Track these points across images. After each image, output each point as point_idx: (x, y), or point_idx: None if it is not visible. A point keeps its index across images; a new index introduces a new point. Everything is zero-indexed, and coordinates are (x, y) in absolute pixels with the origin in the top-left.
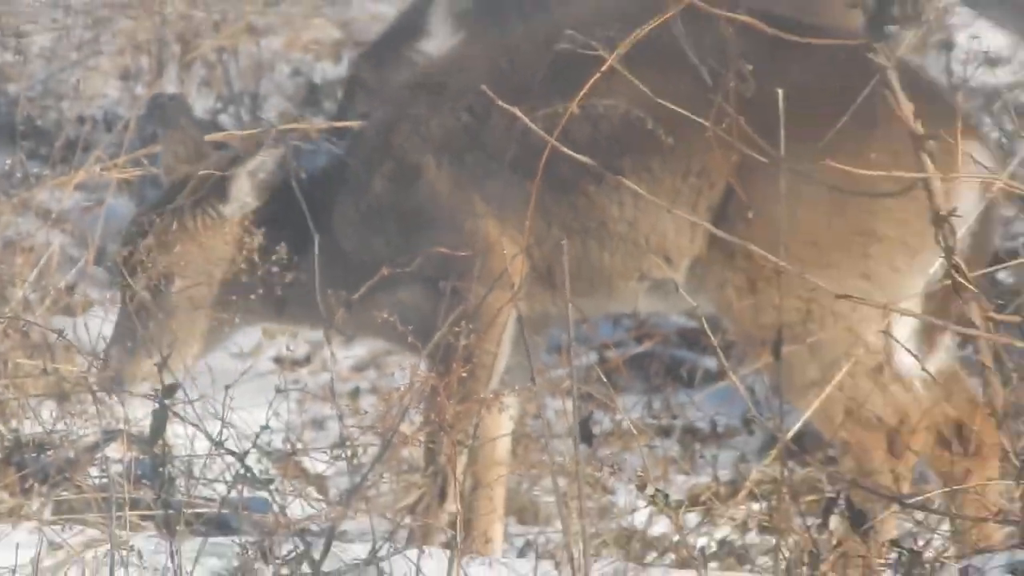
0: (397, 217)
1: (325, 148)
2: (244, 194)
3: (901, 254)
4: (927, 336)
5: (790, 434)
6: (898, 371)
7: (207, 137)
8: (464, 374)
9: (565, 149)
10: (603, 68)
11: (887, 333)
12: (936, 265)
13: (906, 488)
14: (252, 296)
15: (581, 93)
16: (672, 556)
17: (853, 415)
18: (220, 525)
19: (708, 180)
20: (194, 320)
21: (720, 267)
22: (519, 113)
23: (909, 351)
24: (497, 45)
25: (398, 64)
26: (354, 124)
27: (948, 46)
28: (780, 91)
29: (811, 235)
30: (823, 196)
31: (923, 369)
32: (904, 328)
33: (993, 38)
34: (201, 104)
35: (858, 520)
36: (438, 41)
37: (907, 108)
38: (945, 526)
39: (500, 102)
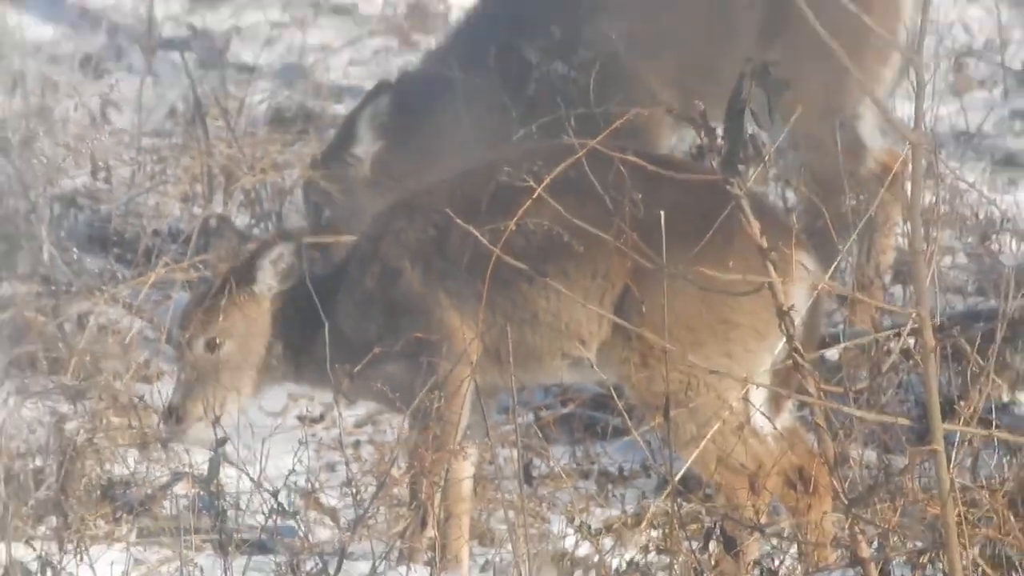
0: (383, 308)
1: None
2: (269, 277)
3: (753, 338)
4: (774, 402)
5: (677, 477)
6: (755, 428)
7: None
8: (437, 431)
9: (506, 257)
10: (533, 196)
11: (746, 399)
12: (780, 347)
13: (764, 520)
14: (278, 362)
15: (518, 215)
16: (593, 572)
17: (723, 462)
18: (260, 547)
19: (610, 281)
20: (239, 377)
21: (620, 348)
22: (472, 229)
23: (762, 413)
24: (455, 177)
25: (340, 166)
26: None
27: (780, 177)
28: (662, 212)
29: (686, 323)
30: (695, 293)
31: (773, 427)
32: (758, 395)
33: None
34: (240, 220)
35: (730, 545)
36: (364, 146)
37: (755, 227)
38: (793, 549)
39: (457, 220)
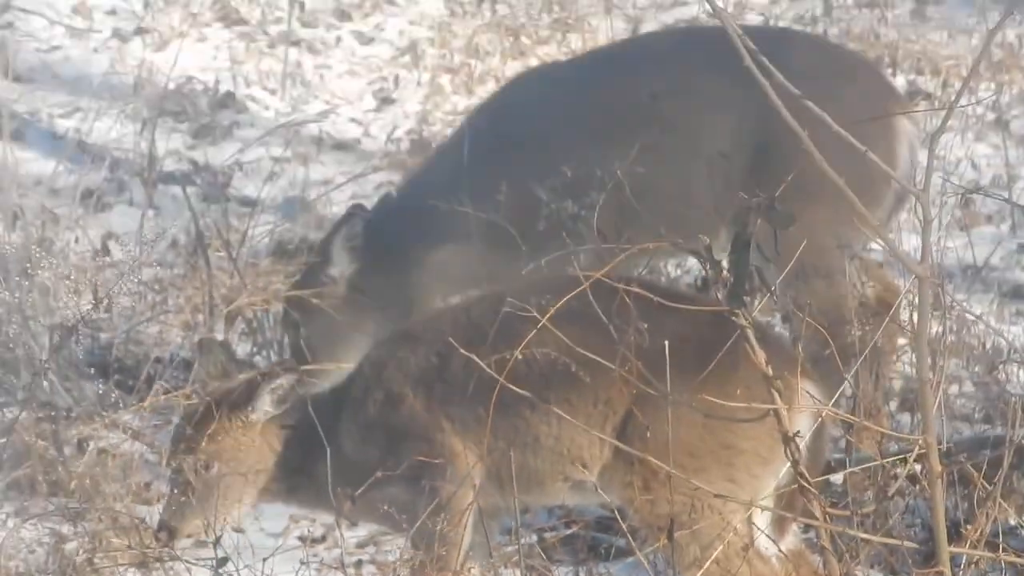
0: (385, 432)
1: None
2: (265, 404)
3: (756, 463)
4: (779, 524)
5: None
6: (759, 551)
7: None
8: (441, 552)
9: (510, 385)
10: (538, 326)
11: (750, 522)
12: (784, 471)
13: None
14: (272, 482)
15: (522, 344)
16: None
17: None
18: None
19: (612, 408)
20: (230, 496)
21: (623, 472)
22: (475, 358)
23: (767, 535)
24: (458, 307)
25: (316, 286)
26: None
27: (787, 308)
28: (666, 342)
29: (689, 449)
30: (698, 419)
31: (778, 549)
32: (762, 518)
33: None
34: (242, 349)
35: None
36: (339, 267)
37: (760, 356)
38: None
39: (461, 350)
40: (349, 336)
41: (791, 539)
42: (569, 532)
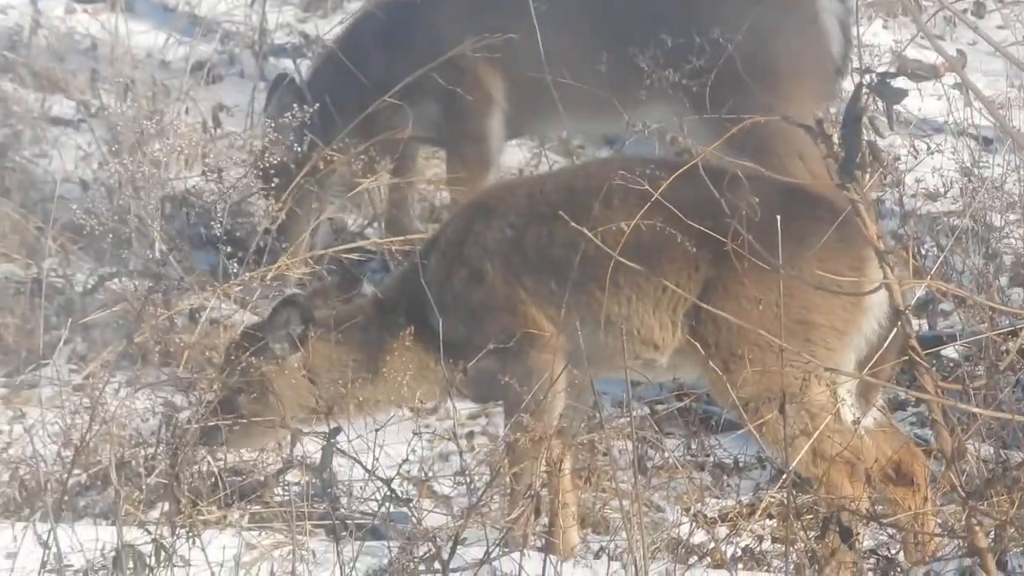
0: (471, 307)
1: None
2: (281, 345)
3: (833, 336)
4: (864, 398)
5: (792, 465)
6: (845, 424)
7: None
8: (532, 419)
9: (621, 258)
10: (651, 199)
11: (834, 392)
12: (862, 344)
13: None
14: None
15: (636, 217)
16: (708, 559)
17: (821, 456)
18: (373, 533)
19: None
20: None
21: (698, 355)
22: (583, 229)
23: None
24: (531, 179)
25: None
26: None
27: (898, 184)
28: (779, 216)
29: (765, 327)
30: (771, 298)
31: (859, 421)
32: (845, 393)
33: (932, 179)
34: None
35: (846, 535)
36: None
37: (874, 230)
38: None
39: (569, 221)
40: None
41: (874, 412)
42: (680, 405)
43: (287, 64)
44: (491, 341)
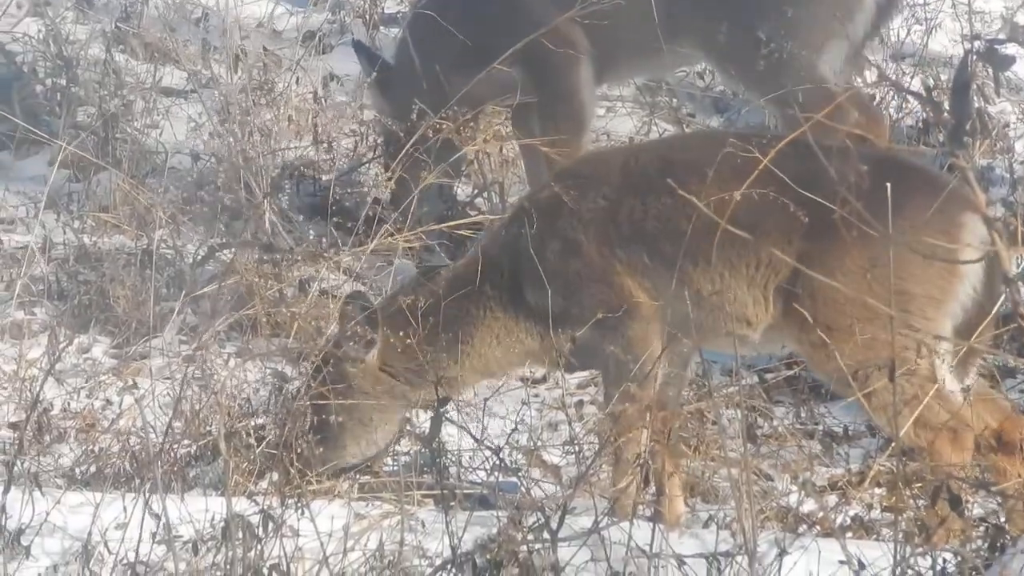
0: (566, 279)
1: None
2: (354, 351)
3: (930, 306)
4: (961, 365)
5: (902, 432)
6: (946, 393)
7: None
8: (634, 389)
9: (731, 228)
10: (761, 165)
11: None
12: (959, 311)
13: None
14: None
15: (744, 186)
16: (818, 528)
17: (923, 424)
18: (482, 502)
19: (774, 269)
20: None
21: (796, 329)
22: (692, 199)
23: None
24: (624, 150)
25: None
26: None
27: (1008, 150)
28: (888, 185)
29: (861, 300)
30: (864, 270)
31: (963, 389)
32: (940, 362)
33: None
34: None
35: (955, 503)
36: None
37: (981, 197)
38: None
39: (680, 191)
40: None
41: (971, 380)
42: (790, 373)
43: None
44: (588, 312)
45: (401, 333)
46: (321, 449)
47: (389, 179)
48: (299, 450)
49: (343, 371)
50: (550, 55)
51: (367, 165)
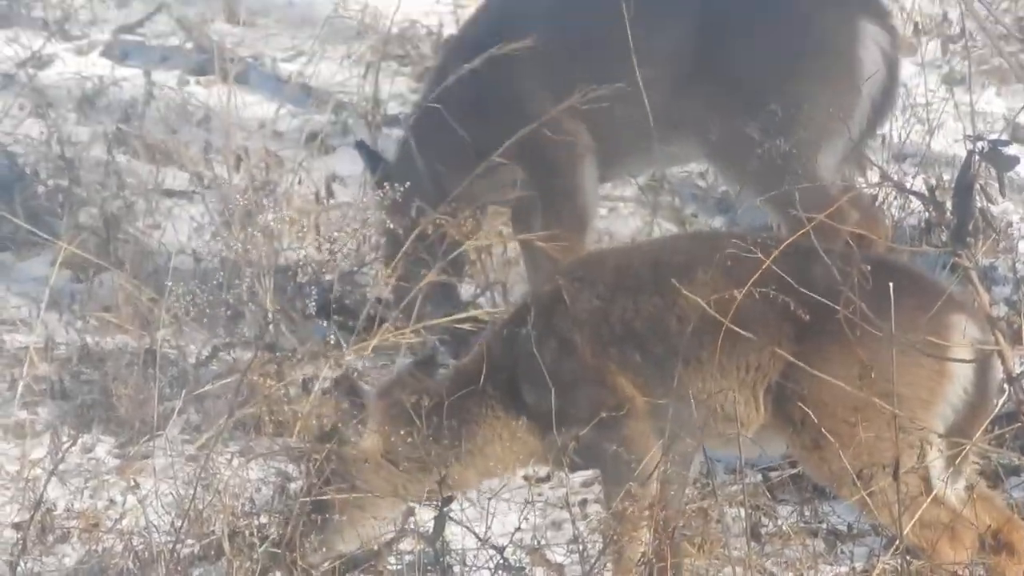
0: (561, 379)
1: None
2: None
3: (919, 407)
4: (955, 467)
5: (906, 530)
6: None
7: None
8: (635, 487)
9: (736, 328)
10: (763, 267)
11: (919, 459)
12: (949, 413)
13: None
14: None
15: (746, 286)
16: None
17: (923, 524)
18: None
19: (763, 372)
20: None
21: (789, 432)
22: (690, 294)
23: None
24: (618, 251)
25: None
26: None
27: (1012, 250)
28: (891, 284)
29: (851, 403)
30: (853, 373)
31: (957, 489)
32: (937, 463)
33: None
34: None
35: None
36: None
37: (984, 297)
38: None
39: (684, 291)
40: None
41: (968, 480)
42: (794, 471)
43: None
44: (583, 412)
45: (402, 431)
46: (319, 535)
47: (390, 277)
48: (302, 548)
49: (344, 456)
50: (553, 153)
51: (368, 265)
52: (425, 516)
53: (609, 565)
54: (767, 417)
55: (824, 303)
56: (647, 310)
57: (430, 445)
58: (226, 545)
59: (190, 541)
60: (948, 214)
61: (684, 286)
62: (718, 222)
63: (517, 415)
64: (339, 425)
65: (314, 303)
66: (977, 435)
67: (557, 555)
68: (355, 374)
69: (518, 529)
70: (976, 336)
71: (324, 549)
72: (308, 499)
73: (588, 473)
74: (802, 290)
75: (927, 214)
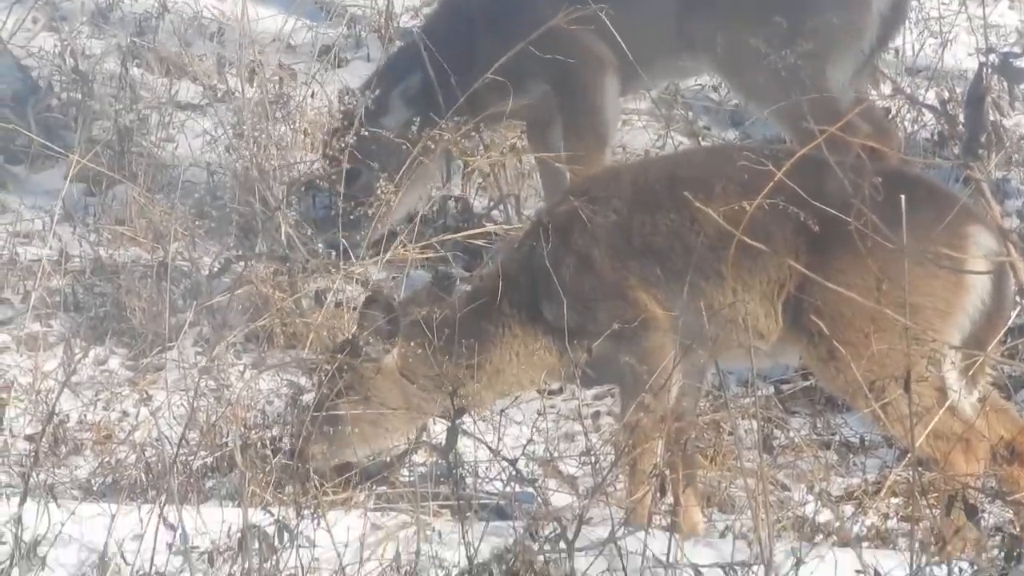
0: (582, 295)
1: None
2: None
3: (936, 318)
4: (970, 378)
5: (918, 443)
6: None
7: None
8: (650, 400)
9: (750, 241)
10: (774, 180)
11: (931, 367)
12: (967, 323)
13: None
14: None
15: (759, 197)
16: (834, 538)
17: (937, 435)
18: (499, 513)
19: (780, 283)
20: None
21: (805, 343)
22: (706, 208)
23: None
24: (634, 166)
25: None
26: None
27: None
28: (905, 195)
29: (868, 313)
30: (870, 284)
31: (968, 399)
32: (951, 373)
33: None
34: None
35: (971, 512)
36: (396, 117)
37: (996, 209)
38: None
39: (697, 203)
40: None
41: (982, 391)
42: (806, 384)
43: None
44: (603, 327)
45: (420, 349)
46: (331, 445)
47: (395, 192)
48: (314, 458)
49: (359, 370)
50: (578, 70)
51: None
52: (438, 428)
53: (622, 477)
54: (785, 329)
55: (841, 215)
56: (665, 224)
57: (446, 363)
58: (238, 457)
59: (202, 453)
60: (960, 127)
61: (701, 200)
62: (731, 135)
63: (535, 332)
64: (366, 340)
65: (326, 215)
66: (991, 346)
67: (569, 467)
68: (368, 285)
69: (530, 441)
70: (992, 247)
71: (335, 461)
72: (320, 412)
73: (601, 386)
74: (815, 203)
75: (939, 127)
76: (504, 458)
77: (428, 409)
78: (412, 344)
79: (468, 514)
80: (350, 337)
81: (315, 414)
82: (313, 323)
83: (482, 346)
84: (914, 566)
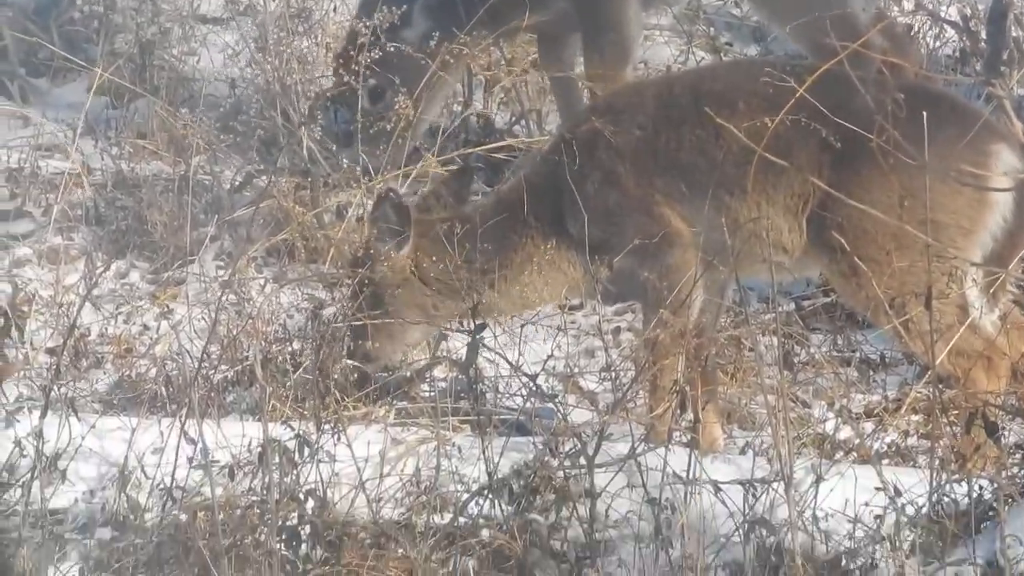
0: (607, 211)
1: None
2: (385, 237)
3: (959, 235)
4: (992, 295)
5: (938, 360)
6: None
7: None
8: (671, 315)
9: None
10: (796, 95)
11: (952, 284)
12: (989, 241)
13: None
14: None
15: (780, 115)
16: (854, 455)
17: (957, 351)
18: (518, 428)
19: (804, 198)
20: (411, 307)
21: (826, 258)
22: (729, 125)
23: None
24: (659, 81)
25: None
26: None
27: None
28: (928, 112)
29: (891, 230)
30: (894, 201)
31: (991, 315)
32: (972, 291)
33: None
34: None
35: (991, 429)
36: (418, 30)
37: (1018, 126)
38: None
39: (717, 119)
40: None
41: (1000, 308)
42: (827, 300)
43: None
44: (628, 242)
45: (435, 257)
46: (351, 360)
47: (415, 108)
48: (335, 376)
49: (375, 280)
50: None
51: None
52: (457, 343)
53: (642, 393)
54: (808, 244)
55: (864, 132)
56: (689, 140)
57: (462, 269)
58: (258, 371)
59: (223, 367)
60: (982, 43)
61: (725, 116)
62: (752, 51)
63: (558, 246)
64: (375, 238)
65: (347, 130)
66: (1012, 263)
67: (590, 382)
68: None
69: (551, 356)
70: (1015, 165)
71: (355, 375)
72: (340, 324)
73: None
74: (834, 119)
75: (961, 43)
76: (524, 373)
77: (443, 312)
78: (427, 248)
79: (488, 429)
80: (367, 242)
81: (336, 325)
82: (334, 238)
83: (504, 256)
84: (934, 483)
